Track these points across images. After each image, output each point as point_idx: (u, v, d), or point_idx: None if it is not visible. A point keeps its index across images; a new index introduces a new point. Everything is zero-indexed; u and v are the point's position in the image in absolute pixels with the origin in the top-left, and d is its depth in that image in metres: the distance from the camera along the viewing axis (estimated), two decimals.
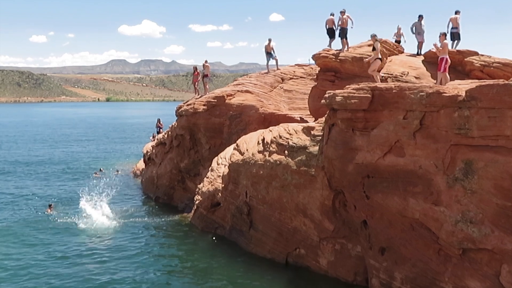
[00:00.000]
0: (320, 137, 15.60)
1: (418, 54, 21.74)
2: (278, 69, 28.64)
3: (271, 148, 17.43)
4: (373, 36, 16.91)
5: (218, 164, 21.57)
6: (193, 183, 24.62)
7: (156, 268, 16.82)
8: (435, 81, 16.25)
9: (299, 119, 24.11)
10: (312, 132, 16.28)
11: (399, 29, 23.37)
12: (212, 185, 20.85)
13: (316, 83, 22.48)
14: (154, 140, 33.23)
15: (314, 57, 21.91)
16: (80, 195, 24.16)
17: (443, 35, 15.91)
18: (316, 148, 15.68)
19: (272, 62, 28.03)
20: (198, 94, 26.75)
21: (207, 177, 21.55)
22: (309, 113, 23.67)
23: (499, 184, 10.78)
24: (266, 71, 28.36)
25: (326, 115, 15.15)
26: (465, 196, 11.37)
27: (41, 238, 19.65)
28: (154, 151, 30.08)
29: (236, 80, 28.75)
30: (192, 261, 17.42)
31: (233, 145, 20.89)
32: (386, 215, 13.04)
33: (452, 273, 11.70)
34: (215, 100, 24.38)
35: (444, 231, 11.69)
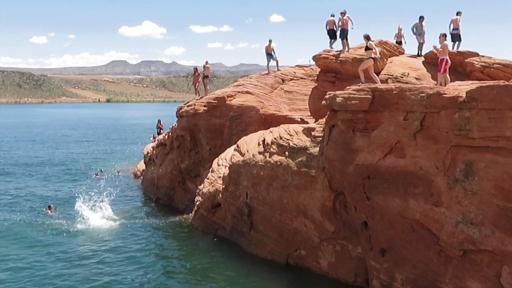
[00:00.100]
0: (321, 138, 15.60)
1: (418, 55, 21.75)
2: (278, 70, 28.65)
3: (271, 149, 17.43)
4: (366, 36, 16.97)
5: (218, 165, 21.57)
6: (194, 184, 24.62)
7: (157, 269, 16.82)
8: (435, 82, 16.24)
9: (299, 120, 24.12)
10: (313, 133, 16.28)
11: (400, 29, 23.37)
12: (212, 186, 20.85)
13: (316, 84, 22.48)
14: (154, 141, 33.23)
15: (315, 58, 21.91)
16: (80, 196, 24.15)
17: (443, 36, 15.91)
18: (317, 149, 15.68)
19: (272, 63, 28.08)
20: (199, 95, 26.75)
21: (208, 178, 21.55)
22: (309, 114, 23.67)
23: (500, 185, 10.77)
24: (267, 72, 28.37)
25: (326, 116, 15.15)
26: (466, 197, 11.36)
27: (40, 239, 19.64)
28: (154, 152, 30.08)
29: (236, 81, 28.77)
30: (193, 262, 17.41)
31: (234, 146, 20.89)
32: (386, 216, 13.04)
33: (453, 274, 11.69)
34: (216, 101, 24.39)
35: (444, 232, 11.68)
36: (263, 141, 18.21)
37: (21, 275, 15.94)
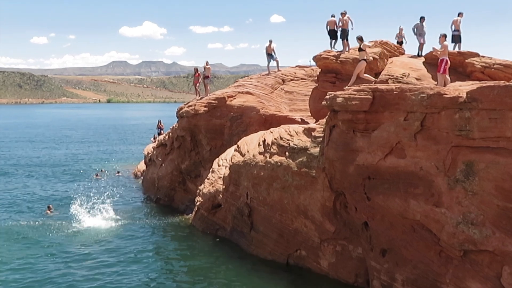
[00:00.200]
0: (321, 139, 15.60)
1: (419, 55, 21.74)
2: (279, 70, 28.64)
3: (272, 150, 17.43)
4: (359, 38, 17.00)
5: (219, 166, 21.57)
6: (194, 184, 24.62)
7: (157, 269, 16.82)
8: (436, 83, 16.24)
9: (300, 120, 24.11)
10: (313, 134, 16.28)
11: (401, 30, 23.36)
12: (213, 186, 20.85)
13: (317, 85, 22.46)
14: (155, 142, 33.25)
15: (315, 58, 21.90)
16: (81, 196, 24.16)
17: (443, 36, 15.92)
18: (317, 149, 15.68)
19: (273, 63, 28.08)
20: (199, 96, 26.76)
21: (208, 179, 21.55)
22: (310, 114, 23.66)
23: (500, 185, 10.77)
24: (267, 72, 28.37)
25: (327, 117, 15.14)
26: (466, 198, 11.36)
27: (40, 240, 19.61)
28: (155, 152, 30.09)
29: (237, 81, 28.75)
30: (193, 263, 17.41)
31: (234, 147, 20.89)
32: (387, 217, 13.03)
33: (453, 275, 11.68)
34: (216, 102, 24.39)
35: (445, 232, 11.68)
36: (264, 141, 18.21)
37: (21, 276, 15.93)
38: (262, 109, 24.73)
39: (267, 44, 27.52)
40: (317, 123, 18.08)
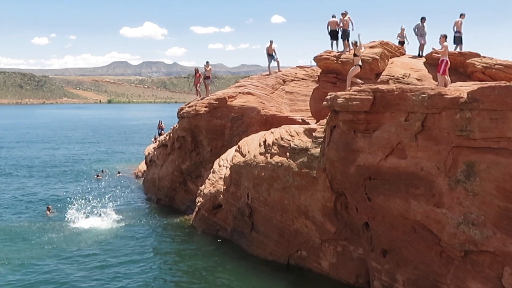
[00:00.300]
0: (322, 139, 15.59)
1: (419, 56, 21.73)
2: (279, 71, 28.63)
3: (272, 150, 17.43)
4: (354, 43, 17.04)
5: (219, 166, 21.57)
6: (195, 185, 24.62)
7: (157, 269, 16.82)
8: (436, 83, 16.23)
9: (300, 121, 24.10)
10: (314, 134, 16.27)
11: (402, 30, 23.32)
12: (213, 187, 20.85)
13: (317, 85, 22.46)
14: (155, 142, 33.26)
15: (316, 59, 21.90)
16: (81, 197, 24.17)
17: (443, 37, 15.90)
18: (318, 150, 15.67)
19: (273, 64, 28.05)
20: (200, 96, 26.76)
21: (209, 179, 21.55)
22: (310, 115, 23.66)
23: (501, 186, 10.76)
24: (268, 73, 28.36)
25: (327, 117, 15.15)
26: (467, 198, 11.35)
27: (39, 240, 19.60)
28: (155, 153, 30.10)
29: (237, 82, 28.74)
30: (194, 263, 17.40)
31: (235, 147, 20.89)
32: (388, 217, 13.03)
33: (454, 275, 11.68)
34: (217, 102, 24.39)
35: (446, 233, 11.67)
36: (264, 142, 18.21)
37: (21, 276, 15.95)
38: (263, 109, 24.72)
39: (268, 44, 27.51)
40: (318, 123, 18.08)
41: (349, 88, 14.96)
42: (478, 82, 14.71)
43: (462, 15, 20.65)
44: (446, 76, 15.18)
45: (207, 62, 27.55)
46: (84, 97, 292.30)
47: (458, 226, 11.43)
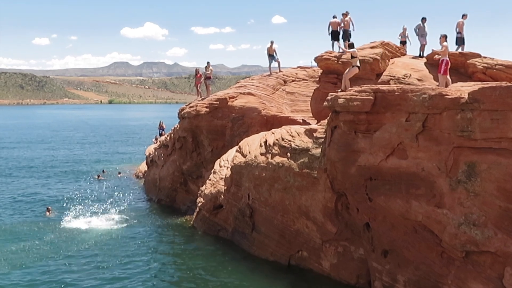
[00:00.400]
0: (323, 140, 15.59)
1: (420, 56, 21.72)
2: (280, 71, 28.62)
3: (273, 151, 17.43)
4: (350, 45, 17.03)
5: (220, 167, 21.57)
6: (196, 185, 24.62)
7: (158, 270, 16.81)
8: (437, 83, 16.21)
9: (301, 121, 24.10)
10: (315, 135, 16.27)
11: (404, 29, 23.30)
12: (214, 187, 20.85)
13: (318, 85, 22.46)
14: (156, 142, 33.27)
15: (317, 59, 21.89)
16: (82, 197, 24.17)
17: (444, 37, 15.88)
18: (319, 150, 15.66)
19: (274, 64, 28.05)
20: (201, 96, 26.76)
21: (210, 180, 21.54)
22: (311, 115, 23.65)
23: (502, 186, 10.75)
24: (269, 73, 28.35)
25: (328, 117, 15.14)
26: (468, 199, 11.34)
27: (39, 241, 19.56)
28: (156, 153, 30.11)
29: (238, 82, 28.75)
30: (194, 263, 17.39)
31: (236, 148, 20.88)
32: (388, 218, 13.02)
33: (455, 276, 11.67)
34: (218, 103, 24.39)
35: (447, 233, 11.66)
36: (265, 142, 18.21)
37: (21, 276, 15.93)
38: (263, 110, 24.73)
39: (269, 45, 27.51)
40: (318, 124, 18.07)
41: (348, 88, 14.96)
42: (479, 83, 14.69)
43: (464, 16, 20.64)
44: (447, 76, 15.16)
45: (208, 63, 27.56)
46: (85, 98, 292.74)
47: (459, 227, 11.42)
